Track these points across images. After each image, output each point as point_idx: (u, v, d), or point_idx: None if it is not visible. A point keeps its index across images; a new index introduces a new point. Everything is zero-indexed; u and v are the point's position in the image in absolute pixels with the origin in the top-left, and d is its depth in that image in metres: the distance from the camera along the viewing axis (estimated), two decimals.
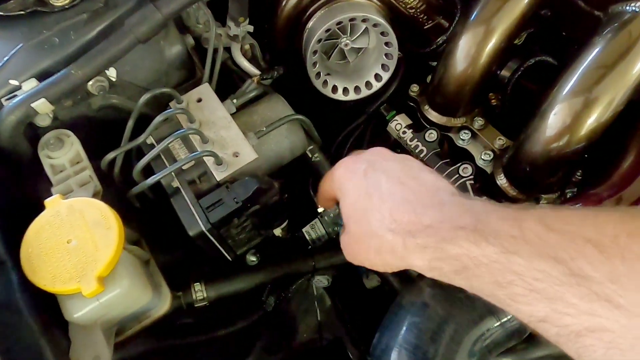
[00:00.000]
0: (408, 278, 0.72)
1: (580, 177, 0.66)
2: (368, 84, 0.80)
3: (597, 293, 0.29)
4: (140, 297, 0.54)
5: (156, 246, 0.67)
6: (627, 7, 0.58)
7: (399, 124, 0.78)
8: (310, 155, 0.74)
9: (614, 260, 0.29)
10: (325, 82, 0.79)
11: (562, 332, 0.31)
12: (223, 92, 0.74)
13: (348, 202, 0.46)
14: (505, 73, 0.76)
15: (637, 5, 0.57)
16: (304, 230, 0.71)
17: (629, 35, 0.57)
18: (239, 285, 0.67)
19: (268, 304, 0.72)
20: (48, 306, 0.49)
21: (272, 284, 0.71)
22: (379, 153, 0.48)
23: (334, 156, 0.80)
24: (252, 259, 0.73)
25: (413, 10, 0.78)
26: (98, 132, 0.66)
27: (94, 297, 0.48)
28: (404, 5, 0.77)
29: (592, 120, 0.58)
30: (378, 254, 0.42)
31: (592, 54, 0.58)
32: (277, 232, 0.72)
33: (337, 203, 0.56)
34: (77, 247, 0.48)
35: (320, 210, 0.66)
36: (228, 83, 0.79)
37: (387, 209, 0.41)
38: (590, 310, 0.29)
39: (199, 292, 0.65)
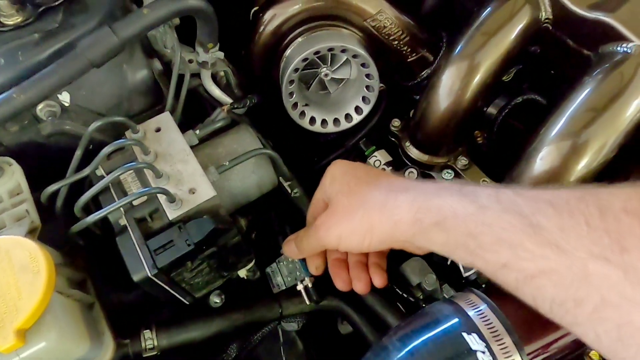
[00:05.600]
0: (381, 326, 0.66)
1: None
2: (348, 117, 0.76)
3: (548, 240, 0.34)
4: (73, 349, 0.48)
5: (107, 286, 0.61)
6: (618, 48, 0.54)
7: (378, 160, 0.73)
8: (289, 191, 0.69)
9: (563, 215, 0.35)
10: (302, 114, 0.75)
11: (519, 276, 0.36)
12: (195, 121, 0.70)
13: (343, 179, 0.50)
14: (492, 110, 0.72)
15: (629, 46, 0.53)
16: (267, 270, 0.66)
17: (620, 77, 0.53)
18: (195, 333, 0.61)
19: (229, 355, 0.65)
20: None
21: (234, 332, 0.64)
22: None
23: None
24: (215, 300, 0.66)
25: (396, 42, 0.74)
26: (51, 160, 0.61)
27: (12, 352, 0.42)
28: (386, 37, 0.74)
29: (582, 166, 0.53)
30: (366, 213, 0.45)
31: (582, 96, 0.54)
32: (242, 273, 0.66)
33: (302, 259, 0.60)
34: None
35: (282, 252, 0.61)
36: (201, 111, 0.75)
37: (385, 176, 0.49)
38: (543, 255, 0.34)
39: (149, 341, 0.58)
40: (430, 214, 0.41)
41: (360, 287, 0.54)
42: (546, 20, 0.62)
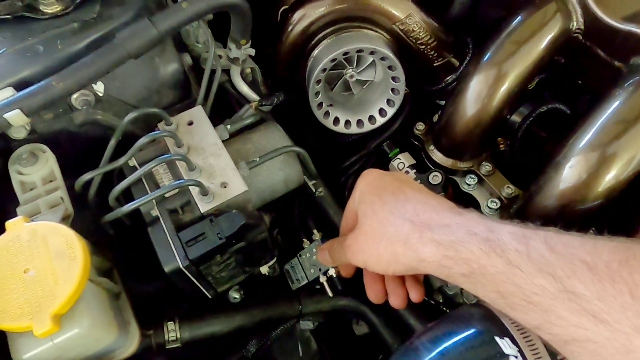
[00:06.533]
0: (401, 329, 0.66)
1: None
2: (372, 119, 0.77)
3: (585, 308, 0.33)
4: (103, 337, 0.48)
5: (132, 276, 0.61)
6: None
7: (401, 162, 0.73)
8: (314, 190, 0.69)
9: (604, 282, 0.33)
10: (327, 113, 0.75)
11: (552, 338, 0.36)
12: (220, 116, 0.70)
13: (368, 199, 0.47)
14: (515, 118, 0.73)
15: None
16: (286, 266, 0.66)
17: None
18: (217, 327, 0.61)
19: (248, 350, 0.65)
20: None
21: (253, 327, 0.65)
22: (402, 174, 0.56)
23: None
24: (234, 295, 0.67)
25: (423, 47, 0.75)
26: (80, 149, 0.61)
27: (47, 337, 0.43)
28: (414, 41, 0.74)
29: (611, 177, 0.54)
30: (390, 244, 0.43)
31: (613, 107, 0.55)
32: (264, 269, 0.66)
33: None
34: (35, 278, 0.43)
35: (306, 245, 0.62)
36: (226, 107, 0.76)
37: (412, 204, 0.44)
38: (578, 323, 0.33)
39: (172, 332, 0.59)
40: (457, 266, 0.39)
41: (396, 302, 0.51)
42: (577, 30, 0.62)
